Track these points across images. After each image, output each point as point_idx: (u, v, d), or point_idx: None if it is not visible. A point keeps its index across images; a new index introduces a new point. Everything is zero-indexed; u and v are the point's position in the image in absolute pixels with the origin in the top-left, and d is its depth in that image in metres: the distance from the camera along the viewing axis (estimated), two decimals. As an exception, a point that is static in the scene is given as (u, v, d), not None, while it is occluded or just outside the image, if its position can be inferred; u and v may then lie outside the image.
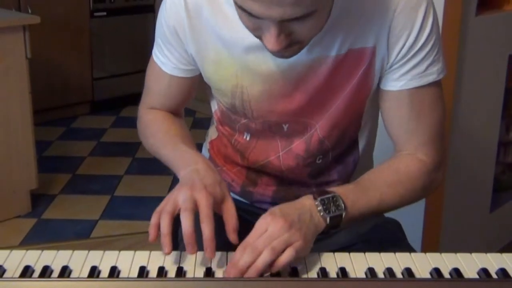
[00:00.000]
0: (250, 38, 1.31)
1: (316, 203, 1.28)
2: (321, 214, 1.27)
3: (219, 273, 1.20)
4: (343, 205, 1.30)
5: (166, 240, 1.20)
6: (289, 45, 1.21)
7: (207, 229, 1.20)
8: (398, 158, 1.46)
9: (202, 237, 1.20)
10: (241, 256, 1.17)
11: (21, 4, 4.81)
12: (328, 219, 1.27)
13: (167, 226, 1.21)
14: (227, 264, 1.22)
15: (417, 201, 1.50)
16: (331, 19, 1.30)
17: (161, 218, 1.22)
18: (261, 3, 1.10)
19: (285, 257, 1.18)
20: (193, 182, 1.27)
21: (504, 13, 2.67)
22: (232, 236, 1.25)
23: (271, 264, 1.18)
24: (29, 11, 4.66)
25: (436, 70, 1.40)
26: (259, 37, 1.23)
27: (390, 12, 1.33)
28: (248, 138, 1.54)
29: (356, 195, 1.34)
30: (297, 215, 1.24)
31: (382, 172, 1.44)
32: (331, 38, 1.34)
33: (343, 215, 1.29)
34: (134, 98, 5.48)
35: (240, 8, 1.16)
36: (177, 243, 1.51)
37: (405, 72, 1.39)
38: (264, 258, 1.16)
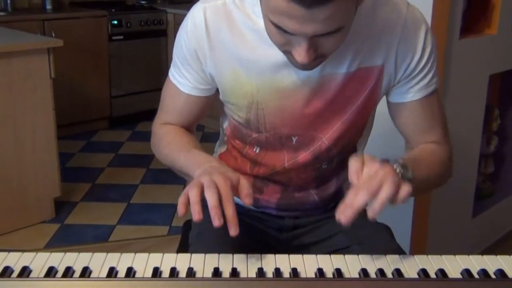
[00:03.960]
0: (266, 59, 1.32)
1: (396, 167, 1.24)
2: (400, 177, 1.23)
3: (226, 273, 1.19)
4: (411, 173, 1.26)
5: (196, 207, 1.17)
6: (314, 59, 1.22)
7: (229, 209, 1.17)
8: (426, 145, 1.50)
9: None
10: (356, 196, 1.15)
11: (45, 29, 4.83)
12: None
13: (195, 195, 1.18)
14: (233, 265, 1.21)
15: (444, 182, 1.54)
16: None
17: (189, 190, 1.19)
18: (296, 21, 1.11)
19: (405, 190, 1.17)
20: (211, 171, 1.25)
21: (485, 36, 2.68)
22: (246, 200, 1.23)
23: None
24: (53, 35, 4.69)
25: (436, 81, 1.46)
26: (286, 51, 1.23)
27: (397, 34, 1.36)
28: (257, 151, 1.54)
29: (414, 167, 1.30)
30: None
31: (420, 152, 1.47)
32: (342, 56, 1.35)
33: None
34: (149, 114, 5.49)
35: (275, 25, 1.16)
36: (188, 245, 1.51)
37: (412, 85, 1.43)
38: (387, 190, 1.15)
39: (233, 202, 1.19)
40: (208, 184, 1.20)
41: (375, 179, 1.16)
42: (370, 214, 1.16)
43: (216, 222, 1.16)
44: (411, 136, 1.52)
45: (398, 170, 1.23)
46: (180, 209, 1.18)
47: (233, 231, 1.17)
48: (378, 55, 1.38)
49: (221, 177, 1.22)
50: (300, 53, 1.19)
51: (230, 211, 1.18)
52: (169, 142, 1.52)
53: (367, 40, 1.36)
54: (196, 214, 1.16)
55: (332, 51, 1.25)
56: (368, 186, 1.16)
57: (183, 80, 1.49)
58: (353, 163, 1.21)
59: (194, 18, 1.41)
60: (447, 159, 1.51)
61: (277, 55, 1.31)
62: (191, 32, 1.41)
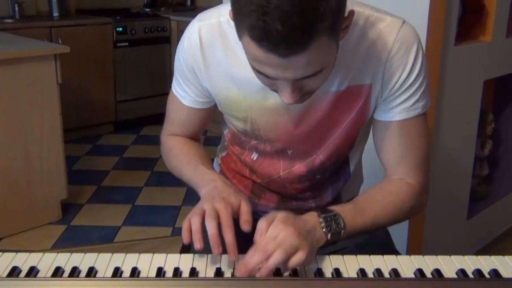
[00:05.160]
0: None
1: (320, 220, 1.27)
2: (324, 230, 1.26)
3: (228, 273, 1.20)
4: (342, 223, 1.29)
5: (198, 236, 1.20)
6: (302, 96, 1.22)
7: (228, 236, 1.19)
8: (389, 182, 1.45)
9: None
10: (252, 256, 1.16)
11: (52, 36, 4.84)
12: (329, 236, 1.27)
13: (197, 224, 1.21)
14: (234, 265, 1.21)
15: (405, 220, 1.49)
16: None
17: (191, 219, 1.22)
18: (277, 68, 1.10)
19: (297, 258, 1.17)
20: (213, 196, 1.28)
21: (479, 43, 2.68)
22: (244, 227, 1.24)
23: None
24: (60, 41, 4.70)
25: (421, 105, 1.40)
26: (275, 90, 1.23)
27: (385, 53, 1.33)
28: (255, 158, 1.54)
29: (354, 215, 1.33)
30: (305, 227, 1.23)
31: (376, 194, 1.43)
32: (332, 76, 1.33)
33: (342, 233, 1.29)
34: (153, 119, 5.52)
35: (258, 71, 1.16)
36: (189, 246, 1.51)
37: (395, 105, 1.39)
38: (276, 258, 1.14)
39: (232, 229, 1.21)
40: (209, 212, 1.23)
41: (273, 242, 1.17)
42: (258, 275, 1.15)
43: (216, 250, 1.18)
44: (384, 162, 1.47)
45: (322, 224, 1.27)
46: (185, 236, 1.22)
47: (232, 256, 1.19)
48: (367, 74, 1.35)
49: (222, 205, 1.24)
50: (285, 95, 1.19)
51: (229, 238, 1.20)
52: (177, 154, 1.55)
53: (357, 60, 1.34)
54: (197, 243, 1.20)
55: (318, 87, 1.25)
56: (264, 249, 1.16)
57: (183, 93, 1.50)
58: (260, 224, 1.22)
59: (190, 36, 1.41)
60: (411, 197, 1.43)
61: None
62: (187, 49, 1.42)
